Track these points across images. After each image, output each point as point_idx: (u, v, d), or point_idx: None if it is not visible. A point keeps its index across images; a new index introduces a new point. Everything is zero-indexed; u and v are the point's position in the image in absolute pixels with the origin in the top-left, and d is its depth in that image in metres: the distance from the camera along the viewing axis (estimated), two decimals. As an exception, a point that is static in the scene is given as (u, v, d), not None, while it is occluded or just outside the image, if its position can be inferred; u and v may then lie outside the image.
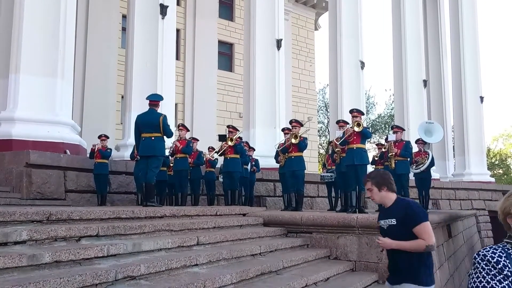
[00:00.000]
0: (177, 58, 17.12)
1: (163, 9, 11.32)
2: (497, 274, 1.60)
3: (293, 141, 8.14)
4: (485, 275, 1.62)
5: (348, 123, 8.53)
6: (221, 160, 9.95)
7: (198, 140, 10.63)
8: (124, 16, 16.00)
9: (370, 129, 13.78)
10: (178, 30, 16.29)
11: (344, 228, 6.19)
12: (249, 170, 10.29)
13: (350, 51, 15.77)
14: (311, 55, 25.19)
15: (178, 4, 16.25)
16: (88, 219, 4.61)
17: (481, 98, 20.28)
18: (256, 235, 5.96)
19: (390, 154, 9.00)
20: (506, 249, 1.67)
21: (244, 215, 6.97)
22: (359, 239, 6.08)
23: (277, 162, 8.88)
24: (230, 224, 6.08)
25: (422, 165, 9.73)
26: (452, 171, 21.07)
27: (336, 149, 8.45)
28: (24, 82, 8.99)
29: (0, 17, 9.80)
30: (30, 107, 9.00)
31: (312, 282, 4.87)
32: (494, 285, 1.59)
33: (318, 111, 28.80)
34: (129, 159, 9.85)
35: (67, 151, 9.03)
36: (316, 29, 26.50)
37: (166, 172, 9.30)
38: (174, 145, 9.44)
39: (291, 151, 8.26)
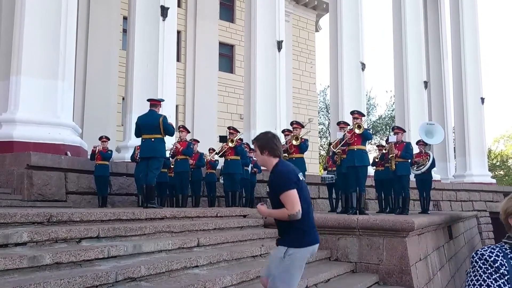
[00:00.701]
0: (178, 59, 17.13)
1: (164, 10, 11.35)
2: (493, 273, 1.66)
3: (294, 142, 8.17)
4: (482, 273, 1.68)
5: (349, 124, 8.54)
6: (221, 161, 9.96)
7: (198, 142, 10.65)
8: (125, 18, 16.05)
9: (371, 130, 13.77)
10: (179, 32, 16.31)
11: (344, 229, 6.20)
12: (249, 172, 10.29)
13: (351, 53, 15.79)
14: (311, 56, 25.21)
15: (179, 5, 16.30)
16: (89, 221, 4.62)
17: (482, 99, 20.24)
18: (256, 237, 5.96)
19: (390, 155, 9.00)
20: (503, 249, 1.72)
21: (244, 216, 6.97)
22: (360, 241, 6.09)
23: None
24: (230, 226, 6.08)
25: (423, 166, 9.70)
26: (453, 172, 20.99)
27: (337, 151, 8.44)
28: (25, 84, 9.01)
29: (2, 19, 9.84)
30: (31, 109, 9.02)
31: (312, 284, 4.87)
32: (490, 283, 1.65)
33: (318, 113, 28.79)
34: (130, 160, 9.87)
35: (68, 152, 9.04)
36: (316, 30, 26.52)
37: (166, 174, 9.31)
38: (174, 147, 9.45)
39: (292, 153, 8.27)
